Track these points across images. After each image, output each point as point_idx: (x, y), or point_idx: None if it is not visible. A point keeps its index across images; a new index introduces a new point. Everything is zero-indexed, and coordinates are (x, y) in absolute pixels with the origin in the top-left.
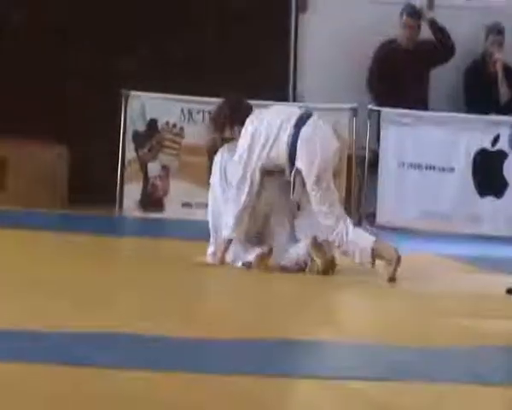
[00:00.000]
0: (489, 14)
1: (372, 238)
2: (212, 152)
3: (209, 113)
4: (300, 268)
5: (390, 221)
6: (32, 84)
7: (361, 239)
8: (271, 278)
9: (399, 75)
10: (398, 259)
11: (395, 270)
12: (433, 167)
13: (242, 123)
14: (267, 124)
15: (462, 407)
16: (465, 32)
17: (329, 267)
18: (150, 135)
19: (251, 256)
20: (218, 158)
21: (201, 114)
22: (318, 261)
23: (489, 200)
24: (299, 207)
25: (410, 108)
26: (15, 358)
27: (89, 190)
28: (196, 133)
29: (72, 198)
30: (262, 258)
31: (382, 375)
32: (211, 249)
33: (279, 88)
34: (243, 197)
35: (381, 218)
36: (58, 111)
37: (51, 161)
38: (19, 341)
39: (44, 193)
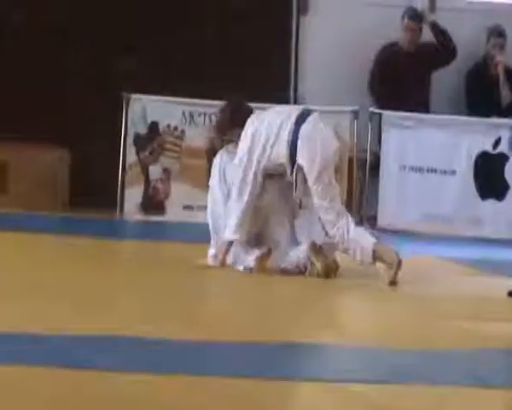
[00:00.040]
0: (490, 16)
1: (373, 239)
2: (211, 154)
3: (210, 115)
4: (300, 271)
5: (391, 224)
6: (32, 85)
7: (362, 238)
8: (272, 280)
9: (401, 78)
10: (399, 262)
11: (396, 273)
12: (435, 170)
13: (243, 125)
14: (267, 124)
15: None
16: (466, 35)
17: (331, 271)
18: (151, 138)
19: (251, 258)
20: (217, 160)
21: (203, 116)
22: (318, 265)
23: (490, 203)
24: (301, 205)
25: (411, 110)
26: (16, 361)
27: (90, 193)
28: (197, 136)
29: (74, 201)
30: (261, 259)
31: (384, 378)
32: (211, 252)
33: (280, 90)
34: (245, 199)
35: (382, 220)
36: (58, 111)
37: (52, 164)
38: (19, 344)
39: (45, 196)
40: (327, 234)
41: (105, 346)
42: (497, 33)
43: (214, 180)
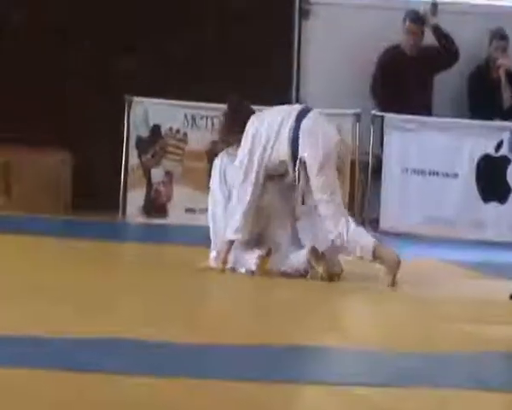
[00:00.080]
0: (492, 19)
1: (373, 239)
2: (211, 156)
3: (213, 118)
4: (301, 275)
5: (393, 227)
6: (31, 85)
7: (362, 237)
8: (274, 283)
9: (403, 81)
10: (398, 263)
11: (395, 275)
12: (437, 173)
13: (243, 124)
14: (267, 125)
15: None
16: (469, 38)
17: (334, 274)
18: (153, 141)
19: (252, 260)
20: (217, 162)
21: (205, 119)
22: (320, 269)
23: (493, 205)
24: (303, 202)
25: (413, 113)
26: (18, 363)
27: (92, 195)
28: (200, 139)
29: (76, 204)
30: (262, 260)
31: (387, 381)
32: (213, 254)
33: (282, 93)
34: (247, 199)
35: (384, 223)
36: (58, 111)
37: (55, 167)
38: (22, 346)
39: (48, 199)
40: (331, 239)
41: (107, 349)
42: (500, 36)
43: (215, 182)
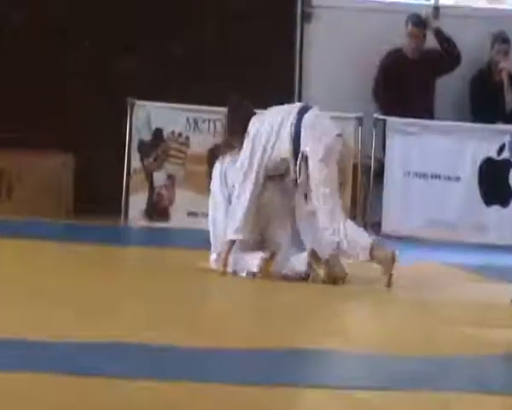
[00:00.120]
0: (494, 22)
1: (370, 238)
2: (212, 158)
3: (215, 122)
4: (302, 278)
5: (395, 230)
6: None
7: (362, 237)
8: (276, 286)
9: (405, 84)
10: (394, 260)
11: (391, 275)
12: (439, 176)
13: (244, 124)
14: (268, 125)
15: None
16: (471, 41)
17: (339, 278)
18: (156, 144)
19: (253, 263)
20: (218, 164)
21: (207, 123)
22: (320, 271)
23: (495, 209)
24: (306, 198)
25: (415, 117)
26: (21, 367)
27: (94, 199)
28: (202, 142)
29: (78, 208)
30: (265, 263)
31: (388, 384)
32: (213, 256)
33: (282, 93)
34: (247, 199)
35: (386, 227)
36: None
37: (56, 171)
38: (24, 350)
39: (49, 203)
40: (328, 235)
41: (110, 353)
42: (502, 39)
43: (215, 184)
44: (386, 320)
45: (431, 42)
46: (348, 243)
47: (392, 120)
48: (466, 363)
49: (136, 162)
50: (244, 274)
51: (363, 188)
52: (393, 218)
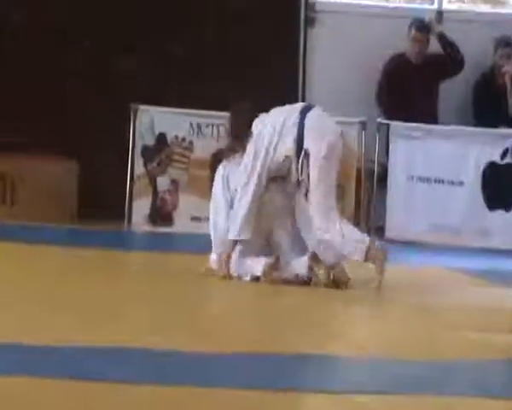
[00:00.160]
0: (497, 27)
1: (366, 238)
2: (215, 163)
3: (218, 126)
4: (304, 282)
5: (399, 235)
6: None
7: (355, 236)
8: (279, 291)
9: (408, 89)
10: (384, 254)
11: (383, 273)
12: (443, 181)
13: (246, 126)
14: (270, 126)
15: None
16: (474, 46)
17: (342, 283)
18: (159, 149)
19: (257, 267)
20: (220, 167)
21: (210, 127)
22: (321, 273)
23: (498, 213)
24: (306, 196)
25: (419, 121)
26: (24, 372)
27: (98, 204)
28: (205, 147)
29: (82, 213)
30: (270, 268)
31: (391, 389)
32: (213, 257)
33: (288, 101)
34: (249, 200)
35: (389, 231)
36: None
37: (61, 176)
38: (27, 354)
39: (54, 208)
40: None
41: (113, 357)
42: (505, 44)
43: (217, 187)
44: (388, 324)
45: (434, 46)
46: (344, 243)
47: (396, 125)
48: (469, 368)
49: (139, 167)
50: (248, 278)
51: (367, 192)
52: (397, 222)
